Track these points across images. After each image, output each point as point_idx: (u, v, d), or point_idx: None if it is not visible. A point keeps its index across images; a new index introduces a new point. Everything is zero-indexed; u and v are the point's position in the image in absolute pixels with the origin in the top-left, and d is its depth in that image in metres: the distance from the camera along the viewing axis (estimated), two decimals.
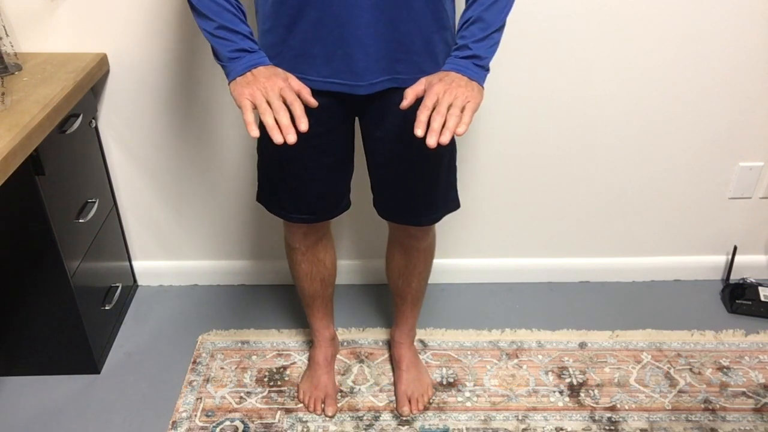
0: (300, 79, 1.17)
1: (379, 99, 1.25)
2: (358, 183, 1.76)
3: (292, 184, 1.38)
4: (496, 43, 1.18)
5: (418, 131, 1.03)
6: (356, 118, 1.36)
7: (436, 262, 1.66)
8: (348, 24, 1.17)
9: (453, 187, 1.46)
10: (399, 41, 1.20)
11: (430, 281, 1.67)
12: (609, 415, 1.64)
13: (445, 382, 1.73)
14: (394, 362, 1.75)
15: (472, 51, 1.15)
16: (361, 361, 1.80)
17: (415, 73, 1.22)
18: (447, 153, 1.38)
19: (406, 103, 1.09)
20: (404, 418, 1.63)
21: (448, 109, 1.05)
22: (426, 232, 1.52)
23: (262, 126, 1.13)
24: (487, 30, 1.15)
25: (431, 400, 1.67)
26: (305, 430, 1.61)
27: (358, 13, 1.16)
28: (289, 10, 1.18)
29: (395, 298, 1.68)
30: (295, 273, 1.59)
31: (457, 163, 1.44)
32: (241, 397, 1.69)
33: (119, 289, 1.89)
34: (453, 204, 1.47)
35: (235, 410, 1.66)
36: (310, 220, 1.45)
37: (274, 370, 1.77)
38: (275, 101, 1.06)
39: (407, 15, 1.18)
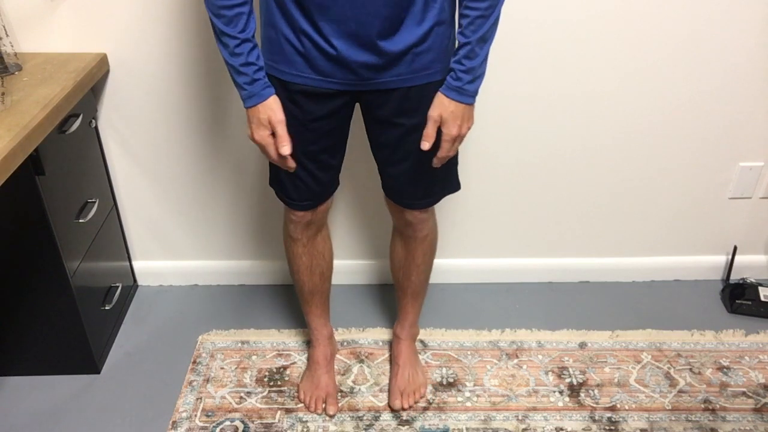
0: (297, 76, 1.25)
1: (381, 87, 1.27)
2: (359, 182, 1.76)
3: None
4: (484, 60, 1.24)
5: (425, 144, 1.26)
6: (356, 103, 1.38)
7: (436, 262, 1.66)
8: None
9: (454, 169, 1.46)
10: (401, 41, 1.21)
11: (430, 281, 1.67)
12: (609, 415, 1.64)
13: (445, 382, 1.73)
14: (392, 358, 1.75)
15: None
16: (361, 361, 1.80)
17: (418, 71, 1.24)
18: None
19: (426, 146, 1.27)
20: (404, 418, 1.63)
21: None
22: (425, 219, 1.52)
23: None
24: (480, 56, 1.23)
25: (431, 400, 1.67)
26: (305, 430, 1.61)
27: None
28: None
29: (397, 291, 1.69)
30: (295, 267, 1.60)
31: (457, 163, 1.44)
32: (241, 397, 1.69)
33: (119, 289, 1.89)
34: (453, 185, 1.48)
35: (235, 410, 1.66)
36: (311, 206, 1.46)
37: (274, 370, 1.77)
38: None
39: (408, 15, 1.18)
